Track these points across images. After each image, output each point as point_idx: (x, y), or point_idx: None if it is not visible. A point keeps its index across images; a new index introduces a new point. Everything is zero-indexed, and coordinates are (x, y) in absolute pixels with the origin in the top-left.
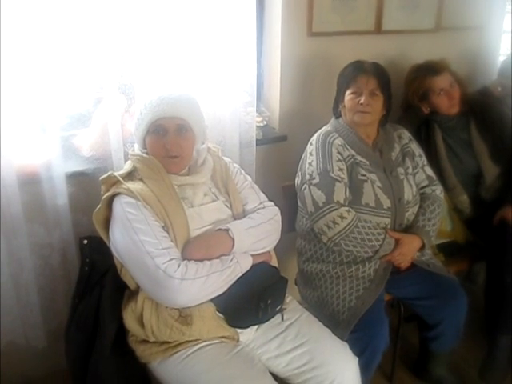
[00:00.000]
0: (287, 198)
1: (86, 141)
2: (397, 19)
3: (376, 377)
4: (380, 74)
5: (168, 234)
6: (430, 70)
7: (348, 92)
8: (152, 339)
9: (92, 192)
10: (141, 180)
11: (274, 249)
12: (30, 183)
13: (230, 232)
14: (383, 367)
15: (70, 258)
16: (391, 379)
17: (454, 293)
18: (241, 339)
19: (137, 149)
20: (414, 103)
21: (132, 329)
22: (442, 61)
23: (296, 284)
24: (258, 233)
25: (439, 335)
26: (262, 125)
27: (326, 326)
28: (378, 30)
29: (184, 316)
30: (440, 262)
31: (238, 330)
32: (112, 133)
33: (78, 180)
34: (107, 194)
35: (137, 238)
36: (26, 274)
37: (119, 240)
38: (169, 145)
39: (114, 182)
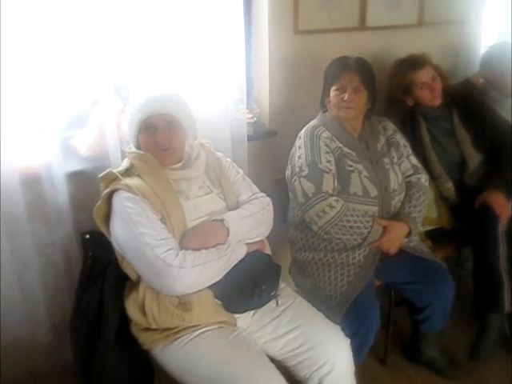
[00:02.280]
0: (280, 190)
1: (83, 141)
2: (380, 15)
3: (369, 360)
4: (363, 71)
5: (166, 225)
6: (412, 64)
7: (333, 88)
8: (154, 326)
9: (91, 190)
10: (138, 176)
11: (268, 240)
12: (32, 183)
13: (224, 222)
14: (376, 351)
15: (72, 255)
16: (384, 362)
17: (441, 276)
18: (238, 324)
19: (133, 147)
20: (398, 97)
21: (134, 317)
22: (423, 55)
23: (290, 273)
24: (252, 222)
25: (428, 317)
26: (252, 121)
27: (319, 310)
28: (363, 26)
29: (183, 303)
30: (427, 248)
31: (236, 316)
32: (108, 133)
33: (78, 179)
34: (107, 191)
35: (136, 230)
36: (29, 272)
37: (119, 233)
38: (159, 139)
39: (112, 178)
